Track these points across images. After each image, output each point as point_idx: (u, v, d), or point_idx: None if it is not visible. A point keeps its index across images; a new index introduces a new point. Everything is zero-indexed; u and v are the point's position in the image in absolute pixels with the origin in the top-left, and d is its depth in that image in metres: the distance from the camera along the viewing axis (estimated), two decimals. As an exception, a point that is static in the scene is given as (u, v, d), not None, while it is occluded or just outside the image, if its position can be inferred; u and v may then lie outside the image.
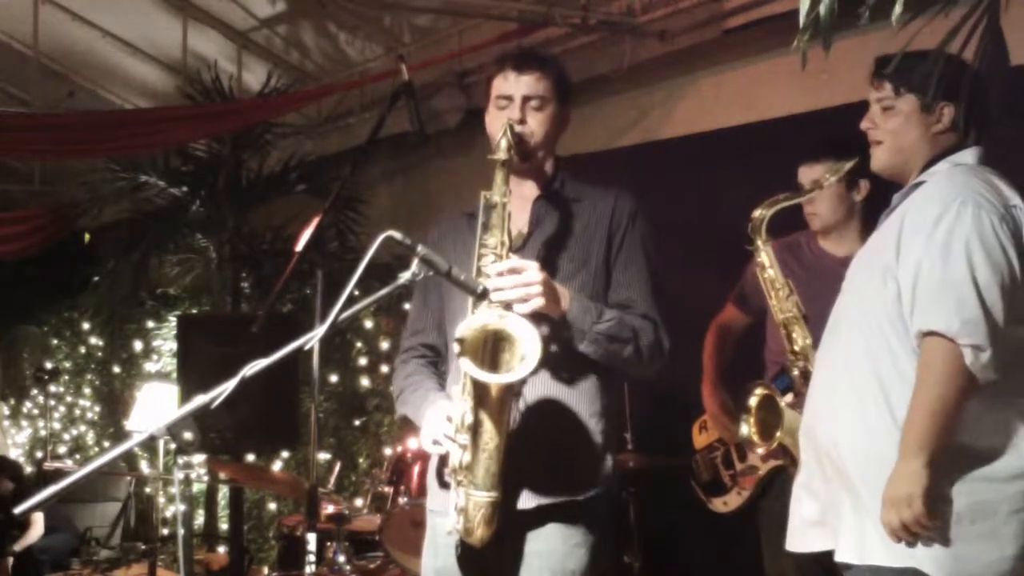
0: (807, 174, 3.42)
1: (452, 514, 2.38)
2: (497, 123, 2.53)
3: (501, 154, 2.42)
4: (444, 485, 2.47)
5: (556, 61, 2.65)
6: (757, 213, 3.27)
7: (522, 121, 2.51)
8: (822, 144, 3.44)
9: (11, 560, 6.66)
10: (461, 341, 2.26)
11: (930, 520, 2.20)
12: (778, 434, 3.15)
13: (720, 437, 3.77)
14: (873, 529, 2.30)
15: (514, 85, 2.53)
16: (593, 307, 2.45)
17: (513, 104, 2.53)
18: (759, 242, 3.28)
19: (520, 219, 2.55)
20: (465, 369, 2.27)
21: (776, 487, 3.48)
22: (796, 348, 3.18)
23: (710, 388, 3.77)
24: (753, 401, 3.28)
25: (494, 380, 2.26)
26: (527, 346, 2.25)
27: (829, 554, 2.43)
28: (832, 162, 3.29)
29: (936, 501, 2.21)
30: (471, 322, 2.31)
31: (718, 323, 3.86)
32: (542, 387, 2.46)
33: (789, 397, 3.26)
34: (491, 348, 2.33)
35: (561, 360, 2.46)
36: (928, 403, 2.22)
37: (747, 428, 3.27)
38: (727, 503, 3.69)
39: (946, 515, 2.23)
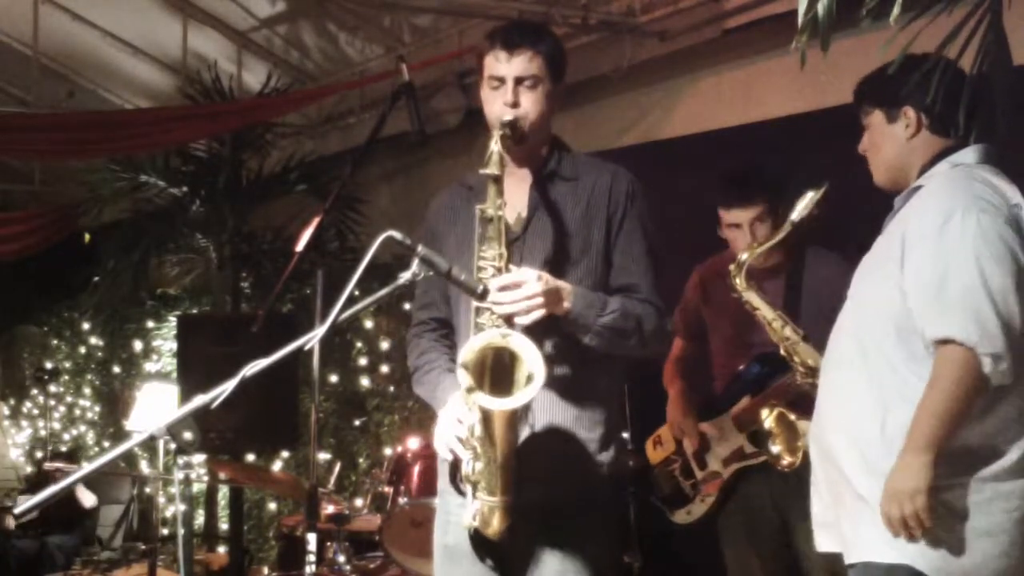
0: (734, 217, 3.42)
1: (469, 507, 2.40)
2: (492, 104, 2.49)
3: (493, 168, 2.35)
4: (456, 485, 2.50)
5: (549, 35, 2.56)
6: (735, 264, 3.28)
7: (515, 104, 2.45)
8: (742, 188, 3.43)
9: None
10: (465, 366, 2.26)
11: (930, 517, 2.20)
12: (799, 443, 3.24)
13: (676, 449, 3.76)
14: (870, 526, 2.30)
15: (505, 66, 2.46)
16: (596, 300, 2.42)
17: (505, 86, 2.46)
18: (740, 287, 3.28)
19: (519, 203, 2.51)
20: (471, 396, 2.27)
21: (740, 490, 3.53)
22: (802, 369, 3.21)
23: (674, 397, 3.78)
24: (769, 423, 3.36)
25: (498, 406, 2.26)
26: (532, 365, 2.25)
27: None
28: (755, 204, 3.37)
29: (938, 499, 2.22)
30: (473, 344, 2.30)
31: (672, 360, 3.85)
32: (549, 396, 2.44)
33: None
34: (497, 367, 2.32)
35: (566, 361, 2.45)
36: (940, 404, 2.22)
37: (776, 448, 3.34)
38: (691, 512, 3.70)
39: (943, 514, 2.23)
